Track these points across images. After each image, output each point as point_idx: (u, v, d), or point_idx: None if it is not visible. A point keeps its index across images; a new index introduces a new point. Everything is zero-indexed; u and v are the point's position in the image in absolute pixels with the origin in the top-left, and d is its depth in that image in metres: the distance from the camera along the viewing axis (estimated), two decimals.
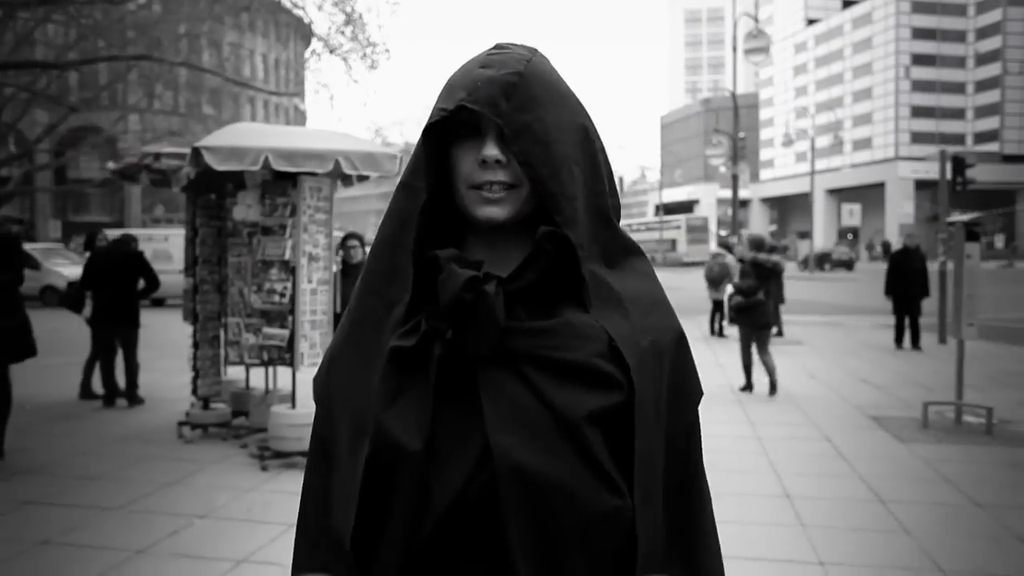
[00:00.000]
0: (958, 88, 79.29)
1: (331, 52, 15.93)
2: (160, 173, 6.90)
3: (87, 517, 4.70)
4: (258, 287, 5.74)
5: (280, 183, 5.60)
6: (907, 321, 12.69)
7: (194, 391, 6.72)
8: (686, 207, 75.55)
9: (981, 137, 77.71)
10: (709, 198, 78.64)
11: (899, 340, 12.88)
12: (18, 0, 14.07)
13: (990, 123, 77.43)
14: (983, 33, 77.97)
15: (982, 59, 78.08)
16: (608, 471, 0.92)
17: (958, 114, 79.27)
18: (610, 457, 0.93)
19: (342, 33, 16.44)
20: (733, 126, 19.32)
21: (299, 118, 58.69)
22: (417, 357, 0.95)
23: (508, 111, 0.95)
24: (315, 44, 17.80)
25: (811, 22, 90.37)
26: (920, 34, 77.72)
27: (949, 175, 14.58)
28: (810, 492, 5.17)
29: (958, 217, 7.55)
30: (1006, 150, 73.42)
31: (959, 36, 79.16)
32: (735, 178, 19.12)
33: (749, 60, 21.19)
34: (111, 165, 7.57)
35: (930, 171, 48.60)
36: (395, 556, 0.93)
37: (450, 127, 0.98)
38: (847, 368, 10.51)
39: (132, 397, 7.84)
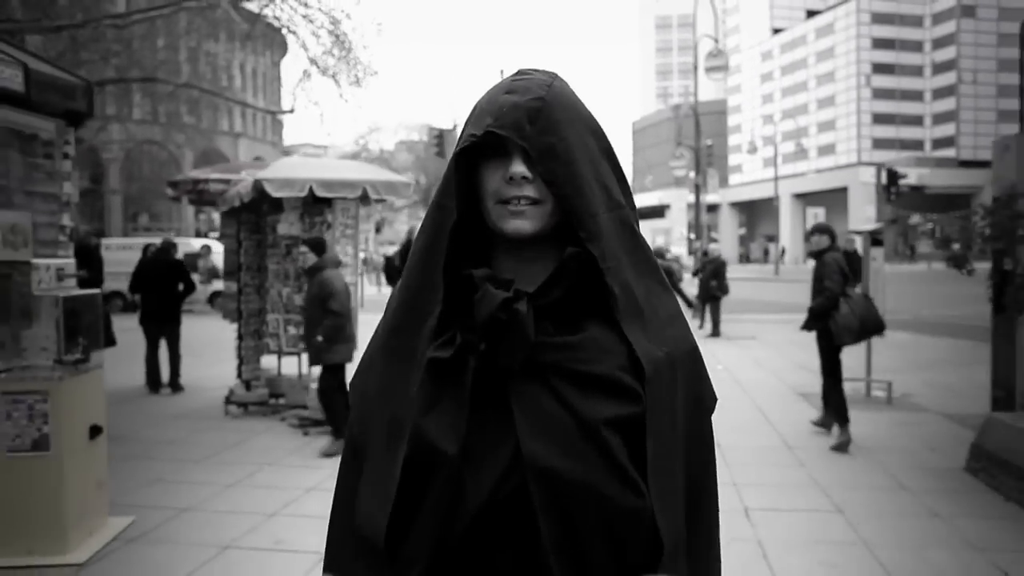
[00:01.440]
0: (916, 96, 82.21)
1: (323, 73, 17.22)
2: (203, 193, 8.26)
3: (177, 466, 6.06)
4: (299, 288, 7.14)
5: (317, 205, 7.01)
6: None
7: (239, 375, 8.09)
8: (657, 212, 77.38)
9: (939, 143, 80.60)
10: (680, 203, 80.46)
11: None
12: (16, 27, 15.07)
13: (947, 129, 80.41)
14: (939, 43, 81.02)
15: (938, 68, 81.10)
16: (628, 472, 0.98)
17: (917, 121, 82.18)
18: (631, 461, 0.99)
19: (331, 55, 17.73)
20: (695, 139, 20.89)
21: (276, 127, 59.64)
22: (453, 368, 1.01)
23: (532, 134, 1.01)
24: (307, 65, 18.97)
25: (776, 31, 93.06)
26: (880, 44, 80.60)
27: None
28: (737, 444, 6.64)
29: (864, 227, 9.12)
30: (962, 155, 76.25)
31: (916, 46, 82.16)
32: (697, 188, 20.70)
33: (710, 77, 22.81)
34: (169, 192, 8.90)
35: (904, 172, 50.80)
36: (425, 553, 0.99)
37: (478, 150, 1.04)
38: (790, 357, 12.06)
39: (175, 385, 9.17)
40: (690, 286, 17.30)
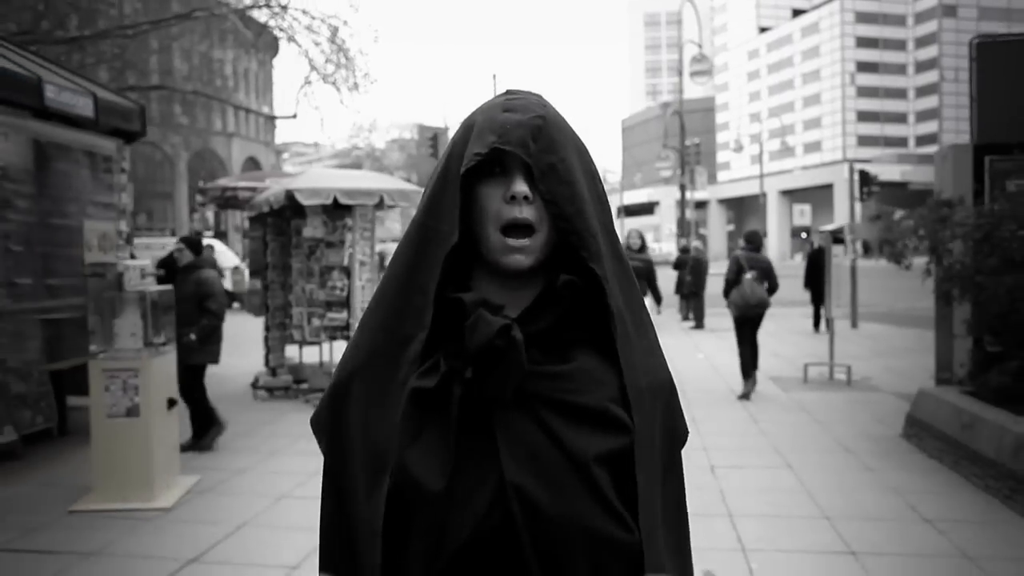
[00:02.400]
0: (900, 94, 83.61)
1: (324, 80, 18.10)
2: (230, 200, 9.17)
3: (224, 439, 6.98)
4: (322, 284, 8.07)
5: (339, 211, 7.94)
6: (822, 309, 15.32)
7: (266, 363, 9.01)
8: (647, 209, 78.32)
9: (922, 140, 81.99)
10: (668, 200, 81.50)
11: (816, 324, 15.48)
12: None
13: (930, 127, 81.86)
14: (921, 42, 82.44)
15: (921, 66, 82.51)
16: (616, 507, 0.97)
17: (901, 118, 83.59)
18: (617, 495, 0.98)
19: (332, 63, 18.60)
20: (680, 140, 21.86)
21: (268, 127, 60.29)
22: (436, 397, 0.98)
23: (536, 152, 1.00)
24: (307, 71, 19.76)
25: (763, 30, 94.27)
26: (864, 43, 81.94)
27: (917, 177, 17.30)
28: (709, 417, 7.59)
29: (826, 227, 10.11)
30: None
31: (900, 45, 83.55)
32: (683, 187, 21.67)
33: (694, 81, 23.80)
34: (199, 199, 9.82)
35: (876, 173, 51.98)
36: None
37: (476, 169, 1.01)
38: (766, 346, 13.03)
39: None
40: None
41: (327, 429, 1.10)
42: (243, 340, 11.79)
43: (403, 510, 0.98)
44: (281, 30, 18.08)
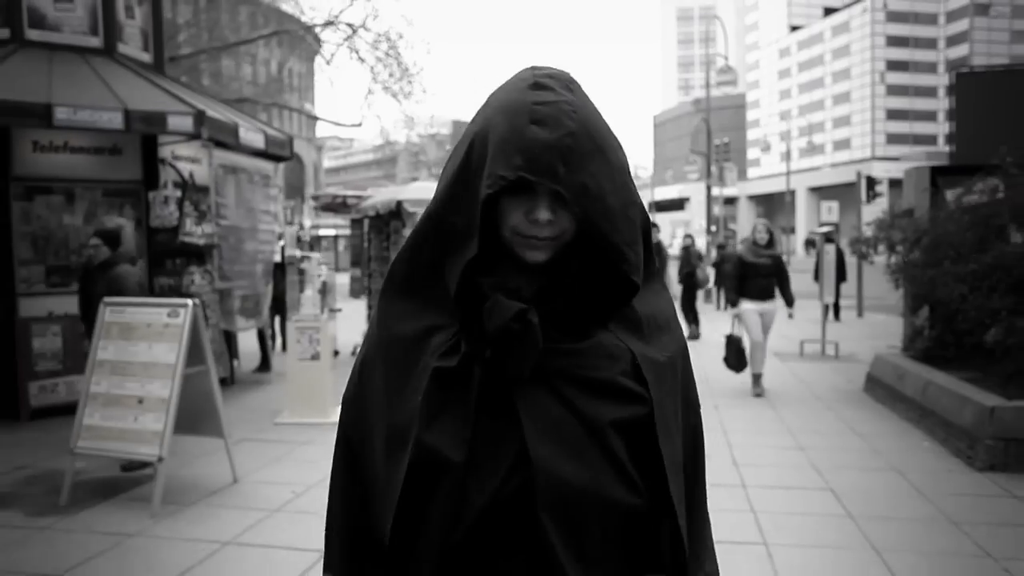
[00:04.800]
0: (930, 92, 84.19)
1: (392, 96, 20.43)
2: (339, 206, 11.53)
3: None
4: None
5: None
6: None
7: None
8: (677, 204, 79.92)
9: (952, 138, 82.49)
10: (699, 196, 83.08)
11: (826, 313, 17.55)
12: None
13: None
14: (952, 41, 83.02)
15: (952, 65, 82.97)
16: (630, 473, 1.02)
17: (930, 116, 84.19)
18: (632, 463, 1.03)
19: (393, 77, 20.93)
20: (707, 146, 23.89)
21: (309, 124, 63.08)
22: (458, 377, 1.03)
23: (566, 175, 0.97)
24: (371, 85, 22.08)
25: (794, 28, 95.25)
26: (894, 41, 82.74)
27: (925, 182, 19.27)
28: (721, 378, 9.77)
29: (821, 229, 12.21)
30: None
31: (930, 43, 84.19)
32: (708, 188, 23.73)
33: (720, 90, 25.80)
34: (312, 203, 12.18)
35: (901, 171, 53.44)
36: (432, 556, 1.02)
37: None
38: (777, 331, 15.15)
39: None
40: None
41: (351, 405, 1.17)
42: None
43: (421, 484, 1.01)
44: (350, 48, 20.46)
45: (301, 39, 22.36)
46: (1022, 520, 4.72)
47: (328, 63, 20.14)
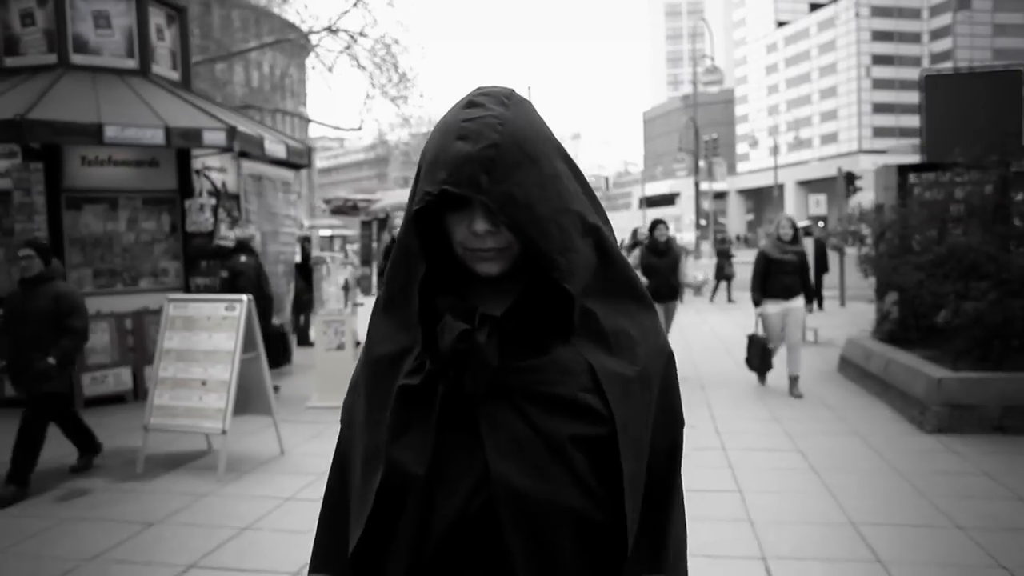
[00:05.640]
0: (915, 86, 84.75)
1: (391, 100, 21.20)
2: (350, 209, 12.32)
3: None
4: None
5: None
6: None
7: None
8: (668, 200, 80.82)
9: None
10: (689, 191, 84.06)
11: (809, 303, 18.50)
12: None
13: None
14: (936, 35, 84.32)
15: (936, 59, 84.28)
16: (592, 487, 1.03)
17: (916, 109, 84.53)
18: (594, 477, 1.04)
19: (391, 81, 21.68)
20: (695, 144, 24.72)
21: (302, 126, 63.70)
22: (422, 394, 1.06)
23: (489, 186, 0.99)
24: (370, 91, 22.78)
25: (781, 24, 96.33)
26: (879, 36, 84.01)
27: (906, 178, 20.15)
28: (710, 371, 10.61)
29: (803, 223, 13.06)
30: None
31: (915, 38, 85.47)
32: (697, 185, 24.58)
33: (705, 88, 26.66)
34: (324, 207, 12.97)
35: (891, 161, 54.49)
36: (401, 570, 1.04)
37: (436, 199, 1.01)
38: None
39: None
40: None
41: (345, 422, 1.22)
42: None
43: (391, 499, 1.05)
44: (350, 55, 21.20)
45: (301, 47, 23.14)
46: (957, 469, 5.56)
47: (330, 70, 20.90)
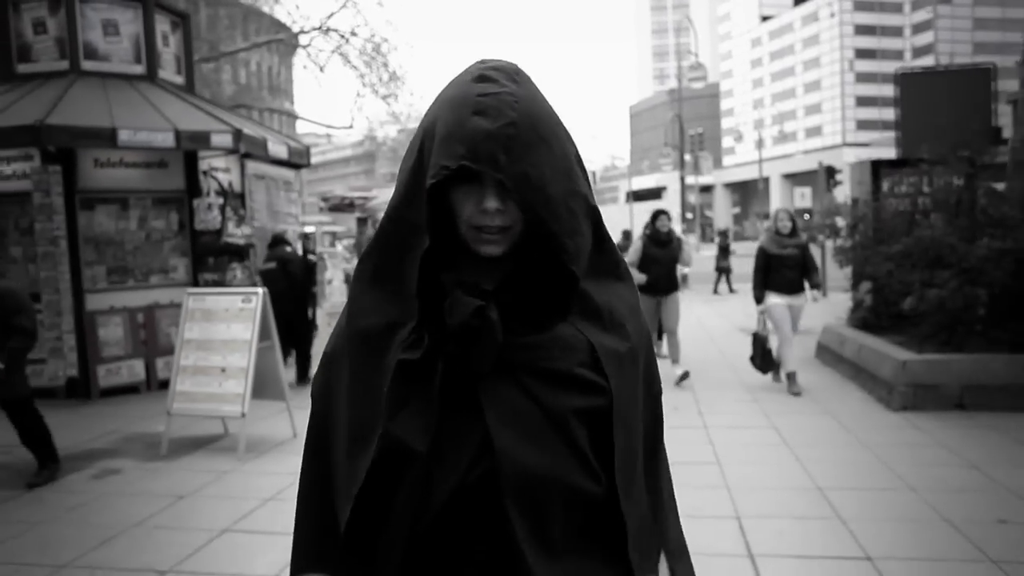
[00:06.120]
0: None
1: (382, 99, 21.57)
2: (347, 206, 12.76)
3: None
4: None
5: None
6: None
7: None
8: (654, 194, 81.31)
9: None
10: (675, 185, 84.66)
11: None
12: None
13: None
14: (918, 28, 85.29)
15: (918, 52, 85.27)
16: (590, 461, 1.06)
17: (898, 102, 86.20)
18: (593, 451, 1.07)
19: (381, 80, 22.05)
20: (679, 140, 25.23)
21: (290, 123, 63.89)
22: (422, 370, 1.05)
23: (506, 164, 0.99)
24: (361, 89, 23.12)
25: (765, 18, 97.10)
26: (862, 30, 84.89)
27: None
28: (691, 350, 11.11)
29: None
30: None
31: (897, 31, 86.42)
32: (683, 180, 25.09)
33: (691, 85, 27.16)
34: (322, 204, 13.41)
35: (873, 156, 55.36)
36: (398, 546, 1.04)
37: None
38: (743, 310, 16.56)
39: None
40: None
41: (318, 397, 1.19)
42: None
43: (387, 476, 1.04)
44: (341, 55, 21.55)
45: (291, 46, 23.48)
46: (918, 442, 6.07)
47: (322, 70, 21.26)
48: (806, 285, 8.18)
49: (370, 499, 1.05)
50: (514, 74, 1.07)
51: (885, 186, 10.31)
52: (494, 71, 1.07)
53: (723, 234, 22.30)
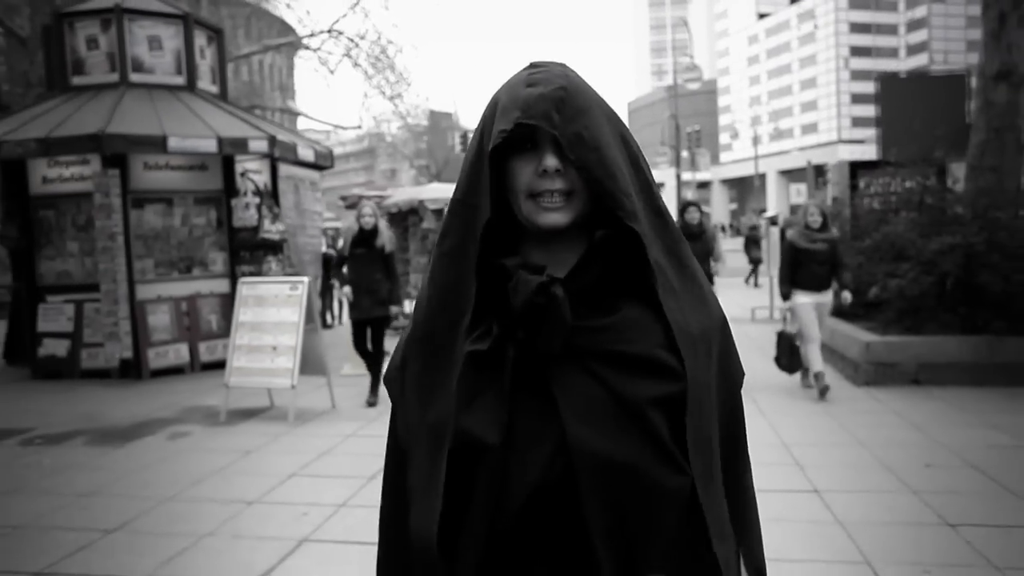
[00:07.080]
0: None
1: (389, 99, 22.47)
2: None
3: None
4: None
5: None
6: None
7: None
8: None
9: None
10: (672, 181, 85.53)
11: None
12: None
13: None
14: (912, 26, 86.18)
15: (912, 50, 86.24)
16: (671, 451, 1.00)
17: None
18: (672, 439, 1.00)
19: (387, 81, 22.92)
20: (676, 138, 26.16)
21: (291, 119, 64.70)
22: (492, 359, 1.03)
23: (561, 123, 1.02)
24: (368, 90, 23.83)
25: (762, 16, 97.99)
26: (857, 28, 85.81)
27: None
28: None
29: (768, 214, 14.48)
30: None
31: (891, 29, 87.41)
32: (679, 176, 26.03)
33: (686, 85, 28.09)
34: (341, 203, 14.34)
35: (866, 153, 56.28)
36: (477, 546, 1.01)
37: (505, 144, 1.03)
38: (733, 299, 17.52)
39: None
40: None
41: (396, 391, 1.16)
42: None
43: (462, 471, 1.01)
44: (349, 58, 22.41)
45: (303, 48, 24.38)
46: (875, 410, 7.03)
47: (332, 72, 22.15)
48: (834, 284, 7.91)
49: (451, 499, 1.02)
50: (563, 65, 1.13)
51: (861, 185, 11.26)
52: (544, 62, 1.12)
53: (754, 227, 23.20)
